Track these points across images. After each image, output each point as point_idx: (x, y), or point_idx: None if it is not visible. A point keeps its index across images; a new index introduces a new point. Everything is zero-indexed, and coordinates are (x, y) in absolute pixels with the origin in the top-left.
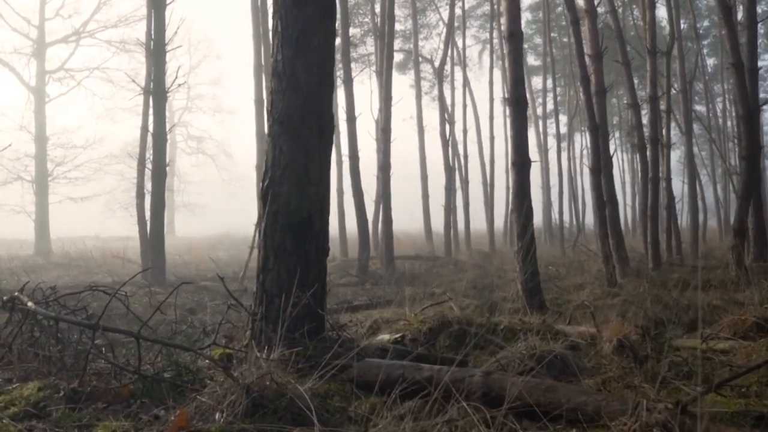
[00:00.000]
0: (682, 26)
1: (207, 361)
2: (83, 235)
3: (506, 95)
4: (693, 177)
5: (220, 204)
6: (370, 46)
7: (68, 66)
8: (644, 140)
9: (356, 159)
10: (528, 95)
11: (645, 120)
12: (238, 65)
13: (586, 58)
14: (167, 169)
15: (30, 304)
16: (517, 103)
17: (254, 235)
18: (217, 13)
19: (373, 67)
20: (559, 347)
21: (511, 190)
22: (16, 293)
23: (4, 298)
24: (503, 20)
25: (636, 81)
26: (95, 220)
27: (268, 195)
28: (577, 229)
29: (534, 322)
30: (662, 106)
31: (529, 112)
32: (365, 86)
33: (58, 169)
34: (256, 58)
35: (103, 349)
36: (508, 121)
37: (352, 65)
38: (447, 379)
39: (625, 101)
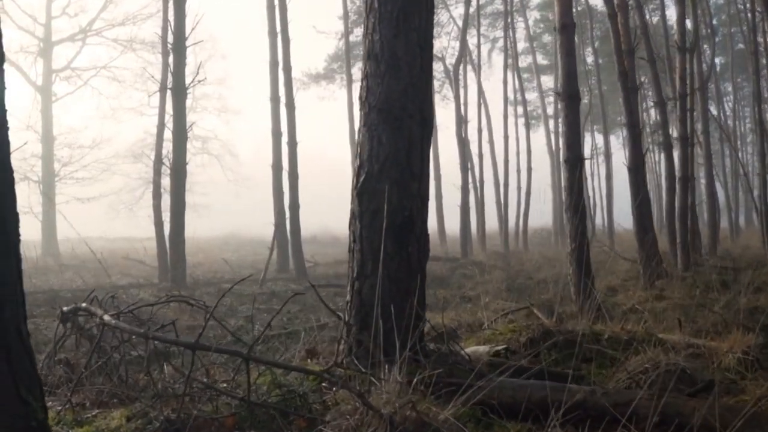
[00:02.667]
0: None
1: (321, 384)
2: (87, 236)
3: (558, 89)
4: (711, 176)
5: (224, 204)
6: None
7: (75, 65)
8: (670, 139)
9: None
10: (537, 94)
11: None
12: (241, 65)
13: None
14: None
15: (107, 317)
16: (571, 98)
17: (273, 237)
18: (220, 11)
19: None
20: (682, 360)
21: (519, 190)
22: (83, 304)
23: (64, 308)
24: (555, 12)
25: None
26: (99, 220)
27: (364, 192)
28: (591, 229)
29: (637, 331)
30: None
31: (539, 111)
32: None
33: (65, 169)
34: (271, 55)
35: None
36: (520, 121)
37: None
38: (606, 402)
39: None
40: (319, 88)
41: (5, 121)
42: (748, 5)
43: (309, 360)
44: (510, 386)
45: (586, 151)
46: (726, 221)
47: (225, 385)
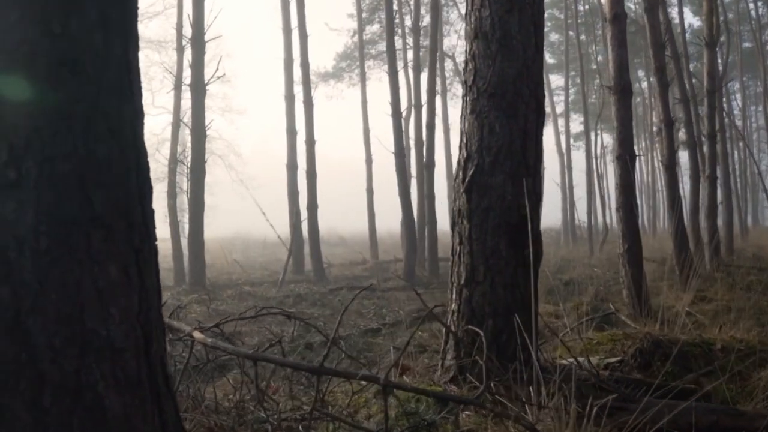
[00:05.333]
0: (698, 23)
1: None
2: None
3: (609, 83)
4: (727, 176)
5: (228, 205)
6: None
7: None
8: (693, 137)
9: (402, 157)
10: (546, 93)
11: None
12: (245, 64)
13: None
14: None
15: (198, 334)
16: (623, 91)
17: (292, 238)
18: (225, 9)
19: (400, 63)
20: None
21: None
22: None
23: None
24: (605, 2)
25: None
26: None
27: (473, 187)
28: (604, 229)
29: (751, 339)
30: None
31: (548, 110)
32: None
33: None
34: (286, 52)
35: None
36: None
37: (371, 62)
38: None
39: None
40: (327, 87)
41: (139, 86)
42: (759, 2)
43: (403, 377)
44: (669, 409)
45: (598, 149)
46: (735, 221)
47: (307, 406)
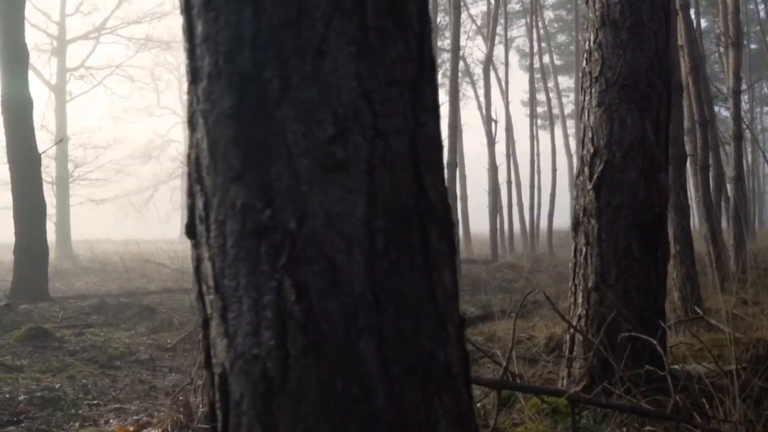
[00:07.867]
0: (703, 24)
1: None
2: (96, 237)
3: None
4: (743, 177)
5: None
6: None
7: (89, 63)
8: (718, 138)
9: None
10: (554, 95)
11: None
12: None
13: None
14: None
15: None
16: (674, 90)
17: None
18: None
19: None
20: None
21: (538, 190)
22: None
23: None
24: None
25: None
26: (106, 222)
27: (603, 184)
28: None
29: None
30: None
31: (556, 111)
32: None
33: (79, 170)
34: None
35: None
36: (536, 121)
37: None
38: None
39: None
40: None
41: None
42: (762, 6)
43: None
44: None
45: None
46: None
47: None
